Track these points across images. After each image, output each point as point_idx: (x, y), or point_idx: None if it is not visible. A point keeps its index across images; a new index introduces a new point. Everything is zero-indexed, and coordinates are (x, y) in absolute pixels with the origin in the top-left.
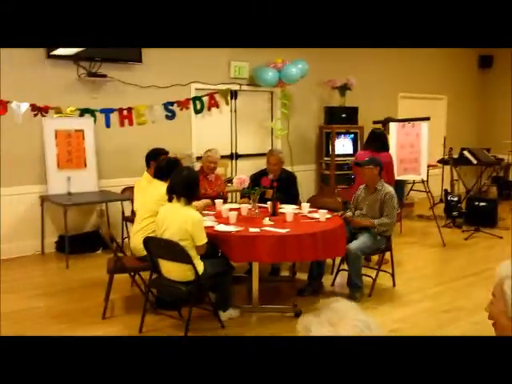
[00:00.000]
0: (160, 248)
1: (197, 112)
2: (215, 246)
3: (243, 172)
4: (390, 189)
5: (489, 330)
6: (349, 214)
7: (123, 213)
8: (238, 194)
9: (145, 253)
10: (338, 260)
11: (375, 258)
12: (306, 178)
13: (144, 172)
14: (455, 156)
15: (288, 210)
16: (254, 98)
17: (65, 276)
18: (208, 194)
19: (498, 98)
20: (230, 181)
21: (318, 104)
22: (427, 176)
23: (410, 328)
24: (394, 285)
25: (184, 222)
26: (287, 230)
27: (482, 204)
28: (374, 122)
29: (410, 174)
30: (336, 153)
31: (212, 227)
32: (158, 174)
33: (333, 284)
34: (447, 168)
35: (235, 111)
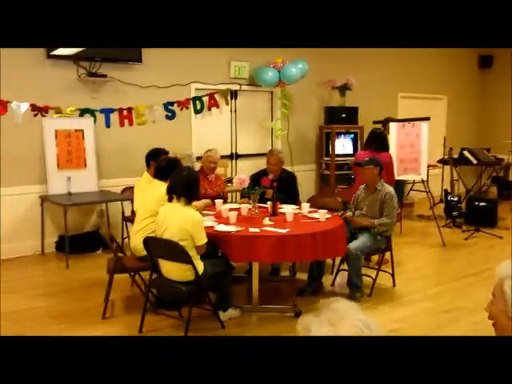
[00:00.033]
0: (160, 248)
1: (197, 112)
2: (215, 245)
3: (243, 172)
4: (390, 189)
5: (489, 330)
6: (349, 214)
7: (123, 213)
8: (238, 194)
9: (145, 253)
10: (338, 260)
11: (375, 257)
12: (306, 178)
13: (144, 172)
14: (455, 156)
15: (288, 210)
16: (253, 98)
17: (65, 276)
18: (208, 194)
19: (498, 98)
20: (229, 181)
21: (318, 104)
22: (427, 176)
23: (410, 328)
24: (394, 285)
25: (184, 222)
26: (287, 230)
27: (481, 204)
28: (374, 122)
29: (410, 174)
30: (336, 153)
31: (212, 227)
32: (158, 174)
33: (333, 284)
34: (447, 168)
35: (235, 111)
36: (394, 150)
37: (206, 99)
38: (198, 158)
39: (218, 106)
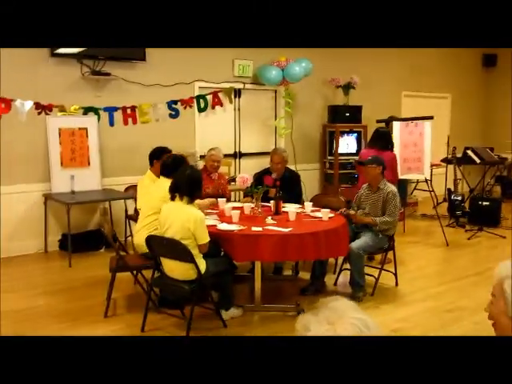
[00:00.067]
0: (162, 247)
1: (200, 110)
2: (218, 244)
3: (247, 171)
4: (393, 188)
5: (491, 330)
6: (351, 212)
7: (126, 211)
8: (242, 192)
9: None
10: (340, 259)
11: (378, 257)
12: (309, 177)
13: (147, 170)
14: (459, 155)
15: (291, 209)
16: (257, 97)
17: (67, 274)
18: (211, 193)
19: (502, 97)
20: (233, 180)
21: (322, 103)
22: (431, 175)
23: (413, 327)
24: (396, 284)
25: (186, 221)
26: (290, 229)
27: (485, 203)
28: (378, 121)
29: (413, 173)
30: (339, 152)
31: (214, 226)
32: (164, 171)
33: (335, 283)
34: (451, 167)
35: (239, 110)
36: (398, 149)
37: (209, 98)
38: (202, 157)
39: (221, 105)
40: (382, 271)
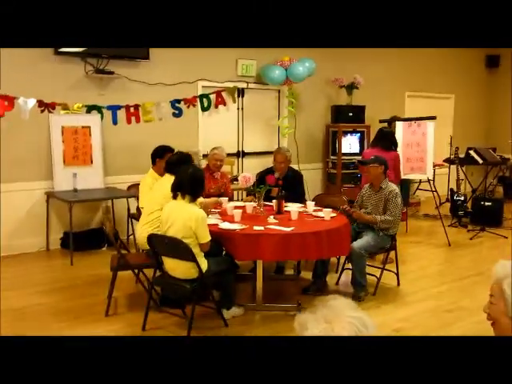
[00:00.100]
0: (164, 245)
1: (204, 109)
2: (219, 243)
3: (249, 170)
4: (395, 187)
5: (492, 330)
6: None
7: (129, 210)
8: (244, 192)
9: None
10: (342, 259)
11: (380, 256)
12: (312, 177)
13: (150, 169)
14: (461, 155)
15: (293, 208)
16: (260, 96)
17: (69, 273)
18: (213, 192)
19: (505, 98)
20: (235, 179)
21: (325, 102)
22: (433, 175)
23: (414, 327)
24: (398, 284)
25: (188, 219)
26: (292, 228)
27: (487, 204)
28: (381, 121)
29: (416, 173)
30: (342, 151)
31: (216, 225)
32: (169, 169)
33: (337, 283)
34: (453, 167)
35: (242, 109)
36: (401, 149)
37: (213, 97)
38: (205, 156)
39: (225, 104)
40: (384, 271)
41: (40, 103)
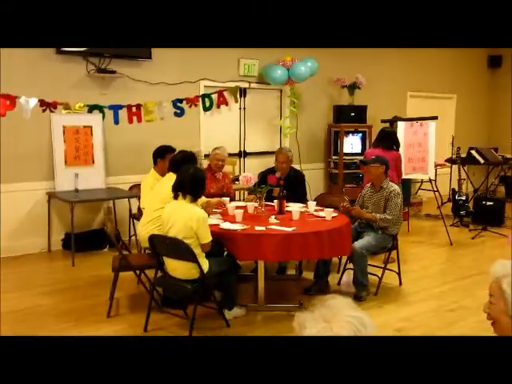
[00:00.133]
0: (165, 246)
1: (206, 109)
2: (221, 244)
3: (251, 170)
4: (396, 187)
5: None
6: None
7: (130, 210)
8: (246, 192)
9: None
10: (344, 259)
11: (382, 256)
12: (314, 177)
13: (151, 169)
14: (463, 155)
15: (294, 208)
16: (262, 96)
17: (70, 274)
18: (215, 193)
19: (507, 98)
20: (237, 179)
21: (327, 102)
22: (435, 175)
23: (416, 327)
24: (400, 284)
25: (189, 220)
26: (293, 228)
27: (489, 203)
28: (382, 121)
29: (417, 172)
30: (344, 151)
31: (218, 225)
32: (173, 167)
33: (339, 283)
34: (455, 167)
35: (244, 109)
36: (402, 149)
37: (215, 97)
38: (206, 156)
39: (226, 104)
40: (386, 271)
41: (41, 103)
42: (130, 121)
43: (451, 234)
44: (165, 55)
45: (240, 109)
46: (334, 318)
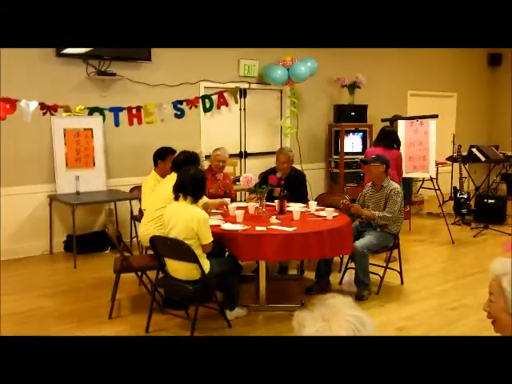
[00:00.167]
0: (166, 247)
1: (206, 110)
2: (222, 244)
3: (252, 171)
4: (396, 185)
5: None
6: (353, 204)
7: (131, 212)
8: (247, 192)
9: None
10: (345, 258)
11: (383, 255)
12: (315, 177)
13: (151, 171)
14: (464, 153)
15: (295, 208)
16: (263, 97)
17: (72, 276)
18: (215, 193)
19: (507, 96)
20: (238, 180)
21: (327, 102)
22: (437, 174)
23: (418, 326)
24: (401, 282)
25: (190, 221)
26: (294, 228)
27: (490, 201)
28: (383, 120)
29: (418, 171)
30: (345, 151)
31: (219, 226)
32: (175, 168)
33: (340, 282)
34: (456, 165)
35: (244, 109)
36: (403, 148)
37: (215, 98)
38: (207, 157)
39: (227, 105)
40: (387, 270)
41: (42, 106)
42: (131, 123)
43: (453, 233)
44: (164, 57)
45: (240, 109)
46: (334, 317)
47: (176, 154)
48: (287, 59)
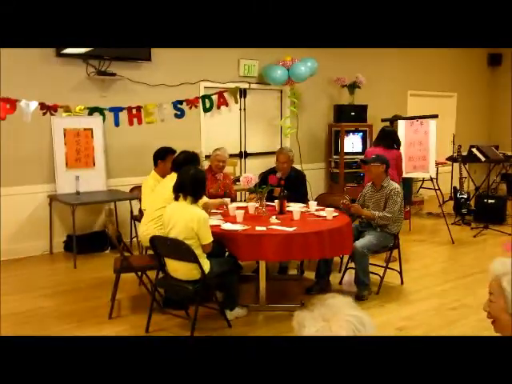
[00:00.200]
0: (166, 247)
1: (206, 110)
2: (222, 244)
3: (252, 171)
4: (396, 186)
5: None
6: (352, 204)
7: (132, 212)
8: (247, 192)
9: None
10: (345, 258)
11: (383, 255)
12: (315, 177)
13: (151, 171)
14: (464, 153)
15: (295, 208)
16: (263, 97)
17: (72, 276)
18: (215, 193)
19: (507, 96)
20: (238, 180)
21: (327, 102)
22: (437, 174)
23: (418, 326)
24: (401, 282)
25: (190, 221)
26: (294, 228)
27: (490, 201)
28: (383, 120)
29: (418, 171)
30: (345, 151)
31: (219, 226)
32: (176, 168)
33: (341, 282)
34: (456, 165)
35: (244, 109)
36: (403, 148)
37: (215, 98)
38: (207, 157)
39: (227, 105)
40: (387, 270)
41: (42, 106)
42: (131, 123)
43: (453, 233)
44: (164, 57)
45: (240, 109)
46: (334, 317)
47: (176, 154)
48: (287, 59)
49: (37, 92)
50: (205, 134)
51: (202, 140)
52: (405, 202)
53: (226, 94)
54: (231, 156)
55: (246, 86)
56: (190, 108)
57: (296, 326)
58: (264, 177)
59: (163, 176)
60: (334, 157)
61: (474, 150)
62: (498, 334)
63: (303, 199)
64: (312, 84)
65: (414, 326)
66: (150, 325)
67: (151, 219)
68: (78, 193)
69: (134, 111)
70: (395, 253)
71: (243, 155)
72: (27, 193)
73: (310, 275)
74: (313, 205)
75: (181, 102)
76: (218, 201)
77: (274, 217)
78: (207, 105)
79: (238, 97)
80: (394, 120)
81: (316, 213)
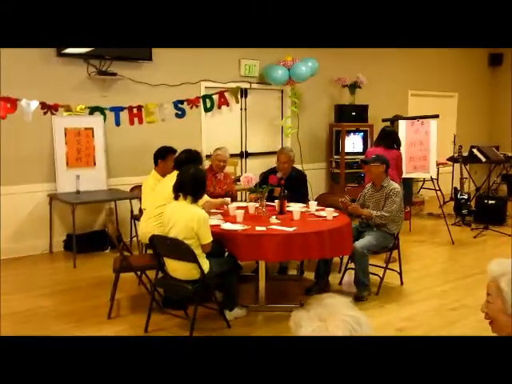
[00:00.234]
0: (166, 247)
1: (207, 110)
2: (221, 244)
3: (253, 170)
4: (396, 186)
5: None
6: (352, 203)
7: (132, 211)
8: (248, 192)
9: None
10: (345, 258)
11: (383, 255)
12: (315, 177)
13: (152, 170)
14: (465, 154)
15: (295, 208)
16: (264, 97)
17: (72, 275)
18: (216, 193)
19: (508, 96)
20: (238, 179)
21: (328, 102)
22: (437, 174)
23: (418, 326)
24: (401, 283)
25: (190, 220)
26: (294, 228)
27: (491, 202)
28: (383, 120)
29: (419, 171)
30: (346, 151)
31: (218, 226)
32: (178, 167)
33: (340, 283)
34: (457, 166)
35: (245, 109)
36: (404, 148)
37: (215, 97)
38: (208, 157)
39: (227, 105)
40: (387, 270)
41: (43, 105)
42: (131, 122)
43: (453, 233)
44: (165, 56)
45: (241, 109)
46: (330, 317)
47: (178, 153)
48: (288, 59)
49: (38, 92)
50: (205, 133)
51: (203, 140)
52: (405, 203)
53: (226, 94)
54: (232, 156)
55: (246, 85)
56: (191, 108)
57: (293, 325)
58: (264, 177)
59: (163, 175)
60: (335, 157)
61: (475, 150)
62: (495, 335)
63: (303, 199)
64: (313, 84)
65: (413, 327)
66: (149, 325)
67: (151, 216)
68: (78, 192)
69: (135, 111)
70: (395, 253)
71: (244, 155)
72: (27, 192)
73: (310, 275)
74: (313, 205)
75: (182, 102)
76: (218, 200)
77: (273, 217)
78: (208, 105)
79: (239, 97)
80: (394, 120)
81: (316, 213)
